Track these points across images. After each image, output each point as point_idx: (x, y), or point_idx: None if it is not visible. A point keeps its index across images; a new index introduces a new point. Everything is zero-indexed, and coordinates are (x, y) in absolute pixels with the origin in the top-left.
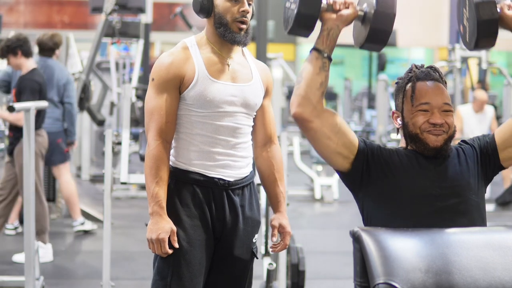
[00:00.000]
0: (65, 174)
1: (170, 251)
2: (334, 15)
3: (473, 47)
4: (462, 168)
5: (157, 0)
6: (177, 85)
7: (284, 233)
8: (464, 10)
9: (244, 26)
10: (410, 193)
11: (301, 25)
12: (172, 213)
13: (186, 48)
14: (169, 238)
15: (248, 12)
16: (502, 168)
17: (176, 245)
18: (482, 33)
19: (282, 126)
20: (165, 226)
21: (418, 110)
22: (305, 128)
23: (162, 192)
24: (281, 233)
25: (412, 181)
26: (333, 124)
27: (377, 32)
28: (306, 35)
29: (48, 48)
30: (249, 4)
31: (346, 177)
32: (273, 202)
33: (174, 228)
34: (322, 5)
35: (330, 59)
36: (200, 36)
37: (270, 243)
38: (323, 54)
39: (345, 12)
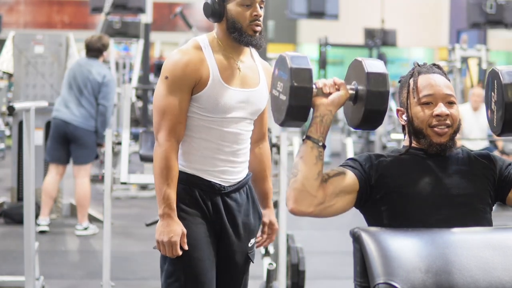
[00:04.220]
0: (85, 175)
1: (180, 253)
2: (325, 100)
3: (500, 131)
4: (473, 177)
5: (157, 0)
6: (191, 86)
7: (273, 229)
8: (492, 94)
9: (258, 29)
10: (417, 203)
11: (294, 117)
12: None
13: (199, 48)
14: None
15: (261, 16)
16: (503, 202)
17: (186, 247)
18: (510, 116)
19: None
20: (177, 229)
21: (422, 103)
22: (306, 216)
23: (173, 194)
24: (270, 229)
25: (419, 192)
26: (333, 193)
27: (372, 113)
28: (300, 125)
29: (95, 49)
30: (260, 7)
31: (354, 206)
32: (262, 198)
33: (185, 230)
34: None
35: (324, 147)
36: (212, 37)
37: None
38: (318, 143)
39: (336, 95)
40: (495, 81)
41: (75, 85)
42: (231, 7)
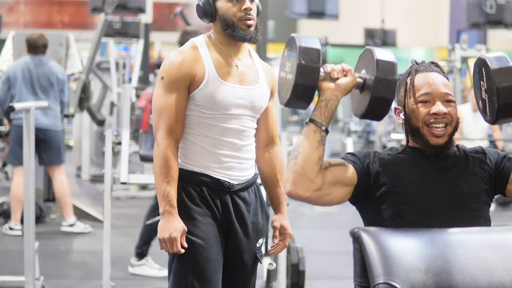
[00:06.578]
0: (62, 172)
1: (183, 250)
2: (332, 84)
3: (495, 118)
4: (470, 176)
5: (157, 0)
6: (187, 84)
7: (285, 234)
8: (481, 83)
9: (251, 23)
10: (414, 205)
11: (299, 96)
12: (184, 212)
13: (195, 47)
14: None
15: (251, 9)
16: (503, 195)
17: (186, 245)
18: (503, 100)
19: (282, 126)
20: (177, 225)
21: (419, 101)
22: (302, 201)
23: (173, 192)
24: (281, 234)
25: (416, 193)
26: (332, 182)
27: (379, 101)
28: (305, 107)
29: (45, 45)
30: (251, 1)
31: (349, 201)
32: (275, 203)
33: (185, 227)
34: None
35: (327, 132)
36: (208, 36)
37: (270, 244)
38: (322, 127)
39: (343, 80)
40: (483, 69)
41: (39, 87)
42: (221, 4)
